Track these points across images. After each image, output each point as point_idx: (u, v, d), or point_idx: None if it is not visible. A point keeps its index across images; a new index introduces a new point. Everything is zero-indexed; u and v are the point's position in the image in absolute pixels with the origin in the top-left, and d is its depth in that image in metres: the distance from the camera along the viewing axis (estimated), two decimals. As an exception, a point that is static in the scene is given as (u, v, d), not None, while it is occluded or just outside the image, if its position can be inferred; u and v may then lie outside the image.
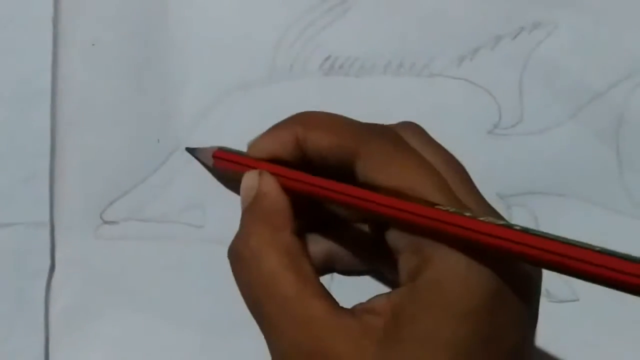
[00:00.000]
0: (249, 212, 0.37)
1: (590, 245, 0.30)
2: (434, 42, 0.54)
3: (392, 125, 0.39)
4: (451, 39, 0.54)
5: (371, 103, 0.54)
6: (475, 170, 0.53)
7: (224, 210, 0.52)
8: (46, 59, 0.52)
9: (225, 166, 0.43)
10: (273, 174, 0.38)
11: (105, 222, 0.53)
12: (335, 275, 0.44)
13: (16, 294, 0.51)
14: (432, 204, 0.32)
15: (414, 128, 0.38)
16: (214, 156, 0.46)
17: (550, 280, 0.53)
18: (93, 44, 0.53)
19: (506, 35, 0.54)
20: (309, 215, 0.40)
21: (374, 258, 0.42)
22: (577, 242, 0.30)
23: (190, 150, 0.51)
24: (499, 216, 0.36)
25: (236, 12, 0.54)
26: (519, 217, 0.53)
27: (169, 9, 0.54)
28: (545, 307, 0.53)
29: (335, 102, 0.53)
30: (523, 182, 0.53)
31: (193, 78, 0.53)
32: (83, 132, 0.53)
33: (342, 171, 0.36)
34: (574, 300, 0.53)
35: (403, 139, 0.36)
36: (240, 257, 0.36)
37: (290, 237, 0.35)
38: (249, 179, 0.38)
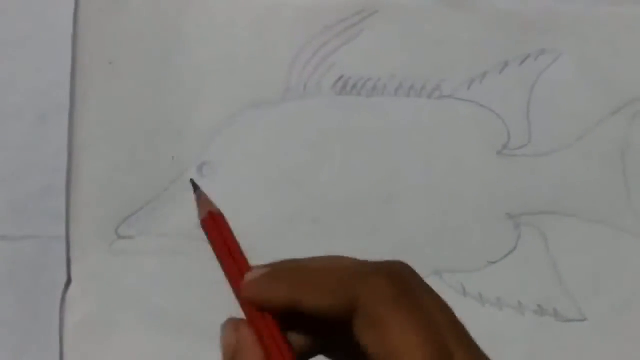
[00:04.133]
0: None
1: None
2: (445, 65, 0.55)
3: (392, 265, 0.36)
4: (461, 62, 0.55)
5: (382, 123, 0.55)
6: (484, 191, 0.55)
7: (238, 226, 0.53)
8: (65, 77, 0.53)
9: (211, 236, 0.38)
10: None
11: (121, 237, 0.53)
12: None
13: (31, 308, 0.52)
14: None
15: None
16: (205, 218, 0.39)
17: (559, 300, 0.54)
18: (110, 63, 0.54)
19: (513, 60, 0.55)
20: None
21: None
22: None
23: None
24: None
25: (251, 32, 0.55)
26: (528, 237, 0.54)
27: (184, 29, 0.55)
28: (553, 326, 0.54)
29: (347, 121, 0.55)
30: (532, 202, 0.54)
31: (208, 96, 0.54)
32: (99, 148, 0.54)
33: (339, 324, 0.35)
34: (581, 320, 0.53)
35: (406, 286, 0.35)
36: None
37: None
38: (228, 333, 0.37)
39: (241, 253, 0.36)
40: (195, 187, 0.38)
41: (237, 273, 0.35)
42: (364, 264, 0.34)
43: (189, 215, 0.53)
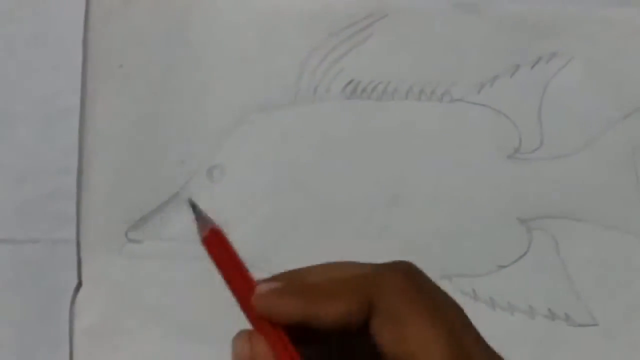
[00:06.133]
0: None
1: None
2: (455, 68, 0.55)
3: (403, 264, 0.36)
4: (471, 66, 0.55)
5: (392, 127, 0.55)
6: (495, 194, 0.54)
7: (246, 230, 0.53)
8: (75, 80, 0.53)
9: (214, 253, 0.37)
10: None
11: (130, 241, 0.53)
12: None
13: (41, 311, 0.52)
14: None
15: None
16: (207, 236, 0.38)
17: (570, 304, 0.53)
18: (120, 66, 0.54)
19: (524, 64, 0.55)
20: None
21: None
22: None
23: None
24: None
25: (261, 36, 0.55)
26: (539, 241, 0.53)
27: (194, 33, 0.55)
28: (564, 331, 0.54)
29: (357, 125, 0.55)
30: (543, 206, 0.54)
31: (218, 100, 0.54)
32: (109, 151, 0.54)
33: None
34: (592, 325, 0.53)
35: (421, 283, 0.35)
36: None
37: None
38: (241, 344, 0.36)
39: (245, 268, 0.36)
40: (194, 206, 0.38)
41: (245, 288, 0.35)
42: (374, 265, 0.34)
43: (198, 219, 0.53)
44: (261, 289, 0.34)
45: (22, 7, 0.54)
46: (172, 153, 0.54)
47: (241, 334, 0.34)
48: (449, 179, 0.54)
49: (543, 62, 0.55)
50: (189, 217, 0.53)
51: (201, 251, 0.53)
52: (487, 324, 0.33)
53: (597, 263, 0.53)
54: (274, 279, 0.35)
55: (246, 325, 0.34)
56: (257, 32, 0.55)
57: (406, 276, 0.33)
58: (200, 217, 0.37)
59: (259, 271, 0.53)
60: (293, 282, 0.34)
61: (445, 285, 0.52)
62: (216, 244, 0.37)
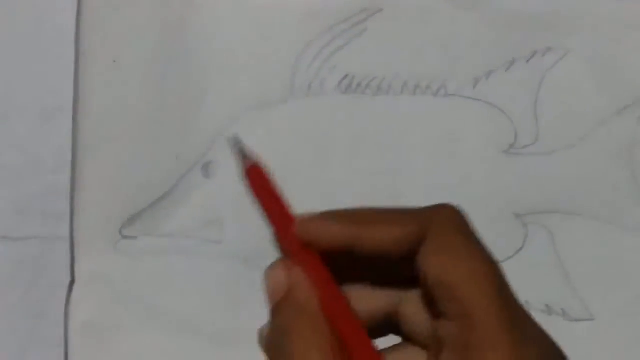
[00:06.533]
0: (282, 310, 0.33)
1: None
2: (450, 63, 0.55)
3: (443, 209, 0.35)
4: (466, 60, 0.55)
5: (388, 122, 0.54)
6: (491, 189, 0.54)
7: (242, 226, 0.53)
8: (68, 76, 0.53)
9: (254, 185, 0.37)
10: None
11: (125, 238, 0.53)
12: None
13: (35, 308, 0.52)
14: None
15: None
16: (248, 170, 0.38)
17: (567, 299, 0.53)
18: (114, 61, 0.54)
19: (520, 58, 0.55)
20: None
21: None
22: None
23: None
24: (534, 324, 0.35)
25: (256, 31, 0.55)
26: (535, 236, 0.53)
27: (188, 27, 0.55)
28: (561, 325, 0.54)
29: (353, 120, 0.54)
30: (539, 201, 0.54)
31: (212, 96, 0.54)
32: (103, 148, 0.54)
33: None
34: (589, 320, 0.53)
35: (466, 221, 0.34)
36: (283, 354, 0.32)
37: (330, 336, 0.33)
38: (276, 274, 0.34)
39: (286, 202, 0.36)
40: (237, 142, 0.37)
41: (284, 219, 0.35)
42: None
43: (193, 215, 0.53)
44: (303, 215, 0.34)
45: (12, 3, 0.54)
46: (167, 149, 0.54)
47: (276, 263, 0.33)
48: (444, 174, 0.54)
49: (539, 56, 0.55)
50: (183, 213, 0.53)
51: (195, 248, 0.53)
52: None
53: (593, 258, 0.53)
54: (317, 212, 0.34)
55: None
56: (252, 27, 0.55)
57: (457, 213, 0.33)
58: (242, 152, 0.37)
59: (256, 269, 0.53)
60: (337, 210, 0.34)
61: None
62: (257, 178, 0.37)
